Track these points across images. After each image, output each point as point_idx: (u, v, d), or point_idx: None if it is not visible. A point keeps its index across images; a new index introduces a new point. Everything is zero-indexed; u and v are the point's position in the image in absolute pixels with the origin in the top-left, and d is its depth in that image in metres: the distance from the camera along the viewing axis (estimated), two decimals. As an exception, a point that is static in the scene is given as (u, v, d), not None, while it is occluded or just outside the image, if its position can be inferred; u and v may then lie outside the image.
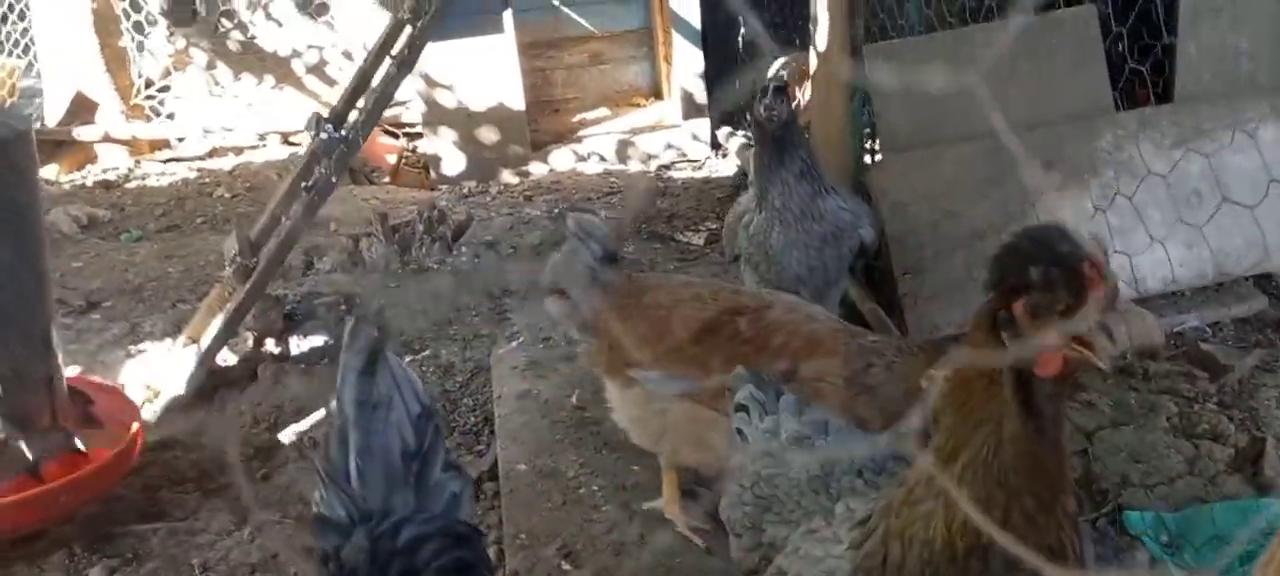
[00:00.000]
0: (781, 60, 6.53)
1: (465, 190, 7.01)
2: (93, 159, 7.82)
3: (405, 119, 7.86)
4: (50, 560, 3.38)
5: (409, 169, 7.44)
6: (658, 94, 8.10)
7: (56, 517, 3.46)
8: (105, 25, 7.85)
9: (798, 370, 2.68)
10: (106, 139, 7.86)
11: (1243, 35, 4.35)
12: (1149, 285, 4.10)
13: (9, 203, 3.24)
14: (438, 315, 4.74)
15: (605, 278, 3.02)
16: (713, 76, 7.44)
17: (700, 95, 7.47)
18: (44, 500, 3.36)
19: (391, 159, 7.47)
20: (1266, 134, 4.19)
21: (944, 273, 4.05)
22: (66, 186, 7.20)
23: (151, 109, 8.02)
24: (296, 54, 8.10)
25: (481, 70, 7.03)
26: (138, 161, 7.79)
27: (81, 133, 7.78)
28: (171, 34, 8.06)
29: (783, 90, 3.55)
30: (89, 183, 7.35)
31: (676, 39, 7.49)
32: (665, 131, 7.48)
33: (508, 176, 7.16)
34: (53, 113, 7.88)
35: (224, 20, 8.03)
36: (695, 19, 7.40)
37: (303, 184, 4.36)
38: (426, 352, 4.57)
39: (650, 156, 7.37)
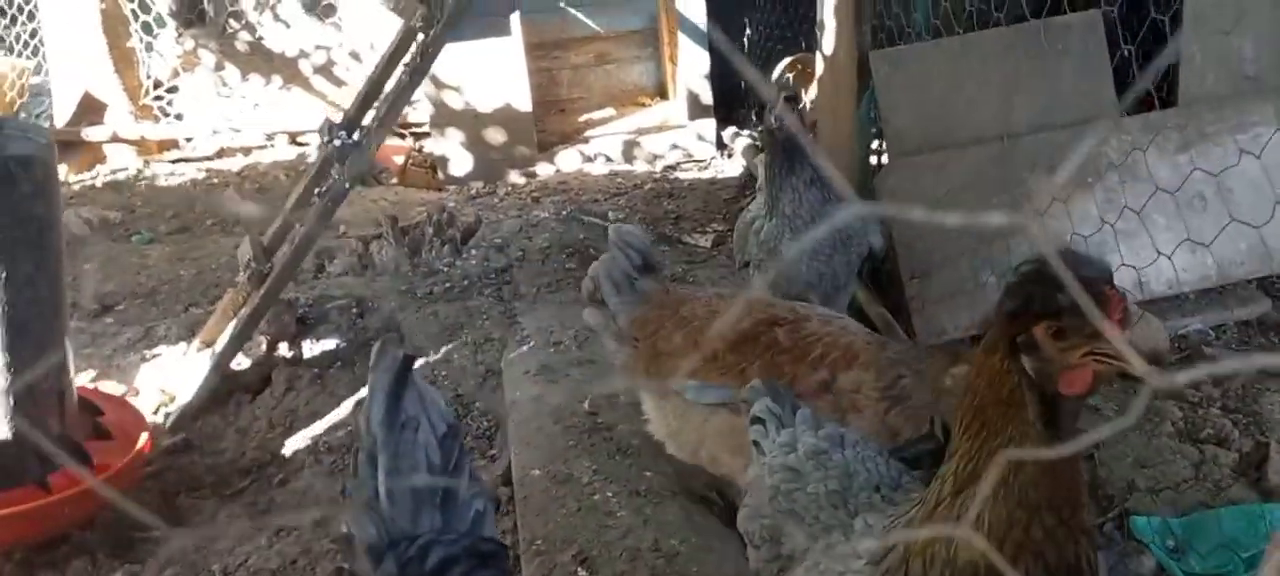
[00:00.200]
0: (786, 60, 6.59)
1: (473, 191, 7.05)
2: (102, 159, 7.87)
3: (412, 119, 7.90)
4: (72, 566, 3.43)
5: (416, 169, 7.48)
6: (663, 94, 8.13)
7: (63, 528, 3.51)
8: (113, 26, 7.89)
9: (835, 381, 2.72)
10: (115, 139, 7.90)
11: (1246, 38, 4.38)
12: (1153, 288, 4.13)
13: (30, 217, 3.28)
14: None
15: (643, 288, 3.06)
16: (718, 77, 7.48)
17: (705, 95, 7.50)
18: (50, 511, 3.40)
19: (399, 160, 7.51)
20: (1270, 137, 4.23)
21: (951, 277, 4.10)
22: (76, 187, 7.24)
23: (160, 109, 8.07)
24: (304, 54, 8.14)
25: (488, 71, 7.06)
26: (146, 162, 7.84)
27: (90, 133, 7.82)
28: (180, 35, 8.09)
29: (793, 100, 3.59)
30: (98, 183, 7.40)
31: (682, 39, 7.53)
32: (671, 131, 7.52)
33: (515, 177, 7.20)
34: (61, 113, 7.92)
35: (232, 21, 8.07)
36: (700, 19, 7.43)
37: (316, 190, 4.40)
38: (437, 357, 4.62)
39: (656, 157, 7.41)
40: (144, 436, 3.74)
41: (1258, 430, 3.40)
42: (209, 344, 4.58)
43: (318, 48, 8.13)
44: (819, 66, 4.98)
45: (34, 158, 3.22)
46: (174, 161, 7.86)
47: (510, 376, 4.18)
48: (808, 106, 5.40)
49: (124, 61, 7.98)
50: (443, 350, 4.64)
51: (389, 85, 4.63)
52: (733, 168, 7.07)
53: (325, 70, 8.16)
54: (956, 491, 1.65)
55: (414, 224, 5.69)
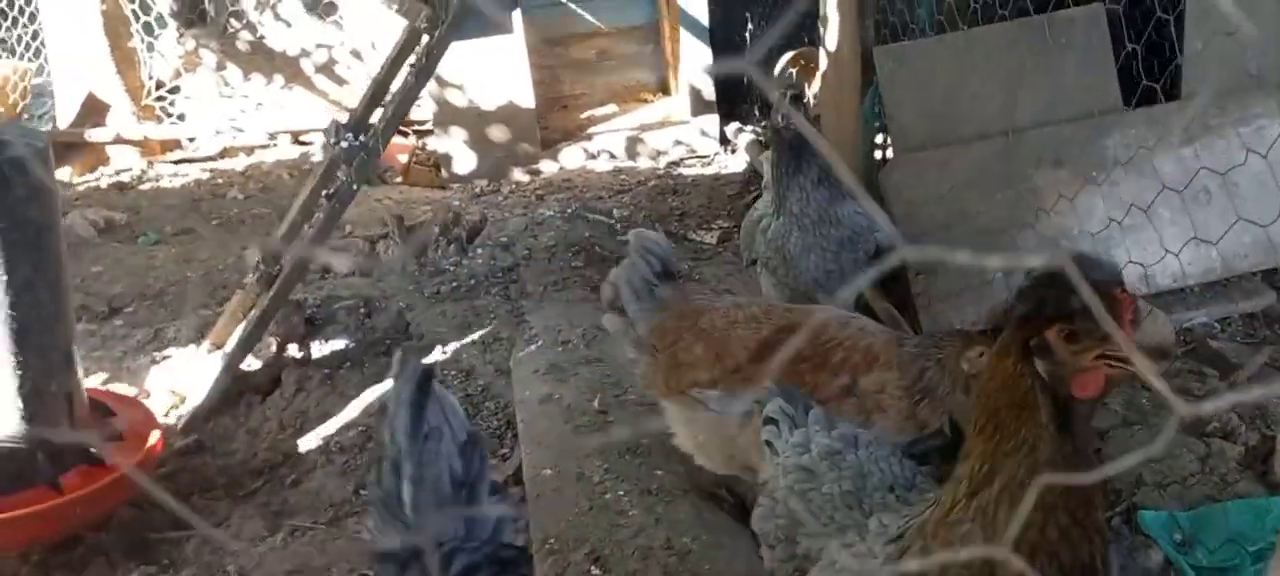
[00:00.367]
0: (788, 55, 6.59)
1: (477, 189, 7.06)
2: (105, 160, 7.88)
3: (415, 117, 7.91)
4: (89, 568, 3.46)
5: (420, 168, 7.49)
6: (665, 90, 8.14)
7: (76, 529, 3.52)
8: (115, 27, 7.89)
9: (857, 384, 2.74)
10: (118, 140, 7.91)
11: (1250, 35, 4.39)
12: (1158, 282, 4.16)
13: (26, 221, 3.26)
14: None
15: (663, 295, 3.07)
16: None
17: (708, 90, 7.51)
18: (62, 512, 3.41)
19: (403, 158, 7.52)
20: (1274, 130, 4.24)
21: (957, 272, 4.12)
22: (81, 188, 7.26)
23: (162, 110, 8.08)
24: (305, 53, 8.15)
25: (491, 68, 7.07)
26: (150, 163, 7.85)
27: (93, 134, 7.83)
28: (181, 35, 8.10)
29: (799, 99, 3.60)
30: (103, 184, 7.41)
31: (683, 34, 7.53)
32: (674, 127, 7.53)
33: (519, 175, 7.22)
34: (64, 114, 7.93)
35: (232, 21, 8.08)
36: (702, 14, 7.43)
37: (324, 192, 4.43)
38: (446, 356, 4.64)
39: (659, 153, 7.42)
40: (156, 437, 3.76)
41: (1264, 424, 3.42)
42: (219, 345, 4.60)
43: (319, 46, 8.14)
44: (822, 62, 5.00)
45: (28, 160, 3.22)
46: (177, 162, 7.87)
47: (519, 375, 4.21)
48: (812, 102, 5.41)
49: (126, 62, 7.98)
50: (451, 349, 4.67)
51: (395, 86, 4.65)
52: (736, 163, 7.08)
53: (327, 69, 8.17)
54: (971, 493, 1.68)
55: (420, 223, 5.71)
